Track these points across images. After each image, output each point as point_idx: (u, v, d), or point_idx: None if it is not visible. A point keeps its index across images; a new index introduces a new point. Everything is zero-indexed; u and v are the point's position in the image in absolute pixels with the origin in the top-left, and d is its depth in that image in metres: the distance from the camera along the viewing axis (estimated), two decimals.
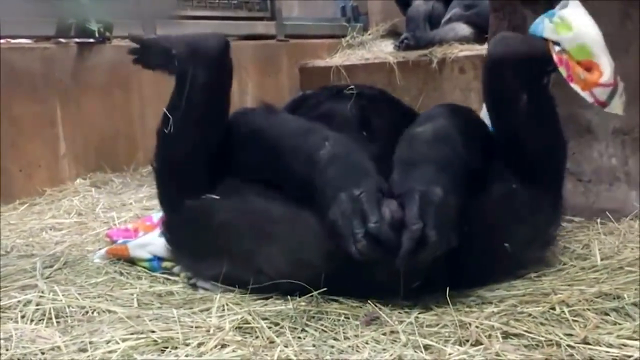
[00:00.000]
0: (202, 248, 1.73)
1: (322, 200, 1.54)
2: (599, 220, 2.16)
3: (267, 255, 1.62)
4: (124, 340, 1.39)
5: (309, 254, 1.58)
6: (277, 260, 1.61)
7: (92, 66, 3.59)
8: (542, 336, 1.34)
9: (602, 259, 1.84)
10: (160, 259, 1.94)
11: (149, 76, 3.84)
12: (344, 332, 1.43)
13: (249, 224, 1.65)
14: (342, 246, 1.49)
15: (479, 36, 4.36)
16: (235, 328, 1.44)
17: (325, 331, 1.44)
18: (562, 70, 1.65)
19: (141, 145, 3.80)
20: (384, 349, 1.34)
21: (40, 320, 1.56)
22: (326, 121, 1.87)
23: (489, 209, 1.68)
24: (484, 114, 1.97)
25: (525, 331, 1.37)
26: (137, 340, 1.39)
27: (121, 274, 1.93)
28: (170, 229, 1.84)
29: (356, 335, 1.41)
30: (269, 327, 1.44)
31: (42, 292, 1.72)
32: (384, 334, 1.40)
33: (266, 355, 1.32)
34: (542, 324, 1.41)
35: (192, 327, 1.46)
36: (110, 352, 1.35)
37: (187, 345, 1.36)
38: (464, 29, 4.67)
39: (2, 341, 1.41)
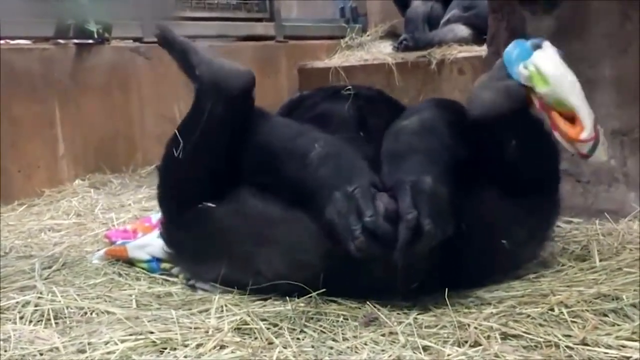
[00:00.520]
0: (201, 252, 1.73)
1: (317, 201, 1.54)
2: (597, 221, 2.16)
3: (266, 257, 1.62)
4: (122, 341, 1.39)
5: (306, 254, 1.58)
6: (275, 262, 1.61)
7: (91, 67, 3.59)
8: (541, 337, 1.34)
9: (600, 260, 1.83)
10: (159, 260, 1.94)
11: (148, 77, 3.87)
12: (342, 333, 1.42)
13: (246, 228, 1.65)
14: (342, 245, 1.49)
15: (478, 37, 4.37)
16: (234, 329, 1.44)
17: (324, 332, 1.44)
18: (545, 116, 1.65)
19: (140, 146, 3.80)
20: (382, 350, 1.34)
21: (38, 321, 1.56)
22: (323, 122, 1.87)
23: (485, 209, 1.67)
24: None
25: (524, 332, 1.37)
26: (136, 341, 1.39)
27: (120, 275, 1.93)
28: (169, 233, 1.84)
29: (355, 336, 1.41)
30: (268, 328, 1.44)
31: (41, 293, 1.72)
32: (383, 335, 1.40)
33: (265, 356, 1.32)
34: (540, 325, 1.41)
35: (190, 328, 1.46)
36: (109, 353, 1.35)
37: (186, 346, 1.36)
38: (462, 30, 4.67)
39: (0, 342, 1.41)
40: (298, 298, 1.58)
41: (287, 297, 1.59)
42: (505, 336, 1.37)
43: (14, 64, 3.23)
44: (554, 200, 1.80)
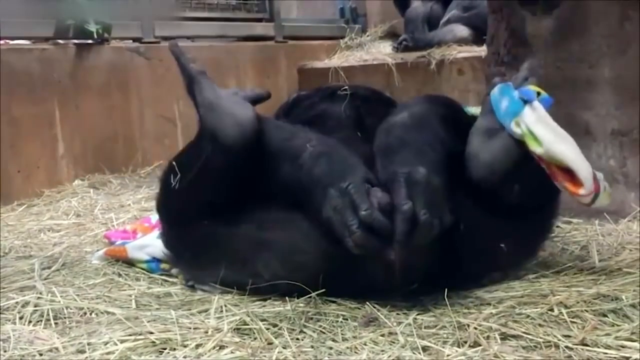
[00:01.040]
0: (200, 256, 1.72)
1: (314, 201, 1.54)
2: (597, 222, 2.16)
3: (265, 260, 1.62)
4: (122, 342, 1.39)
5: (305, 255, 1.58)
6: (274, 265, 1.61)
7: (90, 67, 3.59)
8: (541, 337, 1.34)
9: (600, 261, 1.84)
10: (158, 260, 1.94)
11: (147, 77, 3.87)
12: (342, 334, 1.42)
13: (244, 231, 1.65)
14: (340, 243, 1.49)
15: (478, 37, 4.37)
16: (234, 329, 1.44)
17: (324, 332, 1.44)
18: (544, 166, 1.64)
19: (140, 147, 3.80)
20: (382, 350, 1.34)
21: (38, 321, 1.56)
22: (320, 122, 1.87)
23: (480, 207, 1.67)
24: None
25: (524, 332, 1.37)
26: (136, 341, 1.39)
27: (119, 275, 1.93)
28: (168, 240, 1.83)
29: (354, 337, 1.40)
30: (267, 329, 1.44)
31: (40, 293, 1.72)
32: (383, 335, 1.40)
33: (264, 356, 1.32)
34: (540, 325, 1.41)
35: (190, 328, 1.45)
36: (108, 353, 1.35)
37: (186, 346, 1.36)
38: (462, 31, 4.67)
39: (0, 342, 1.41)
40: (297, 298, 1.58)
41: (287, 298, 1.59)
42: (504, 336, 1.37)
43: (13, 64, 3.23)
44: (550, 212, 1.80)
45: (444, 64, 4.36)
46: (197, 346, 1.36)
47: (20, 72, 3.26)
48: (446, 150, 1.64)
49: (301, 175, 1.58)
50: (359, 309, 1.56)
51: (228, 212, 1.67)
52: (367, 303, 1.56)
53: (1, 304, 1.66)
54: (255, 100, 1.81)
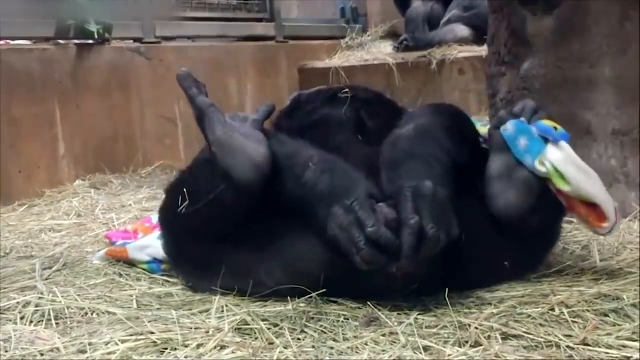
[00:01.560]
0: (204, 269, 1.72)
1: (319, 219, 1.53)
2: None
3: (269, 270, 1.62)
4: (123, 342, 1.39)
5: (309, 263, 1.58)
6: (278, 274, 1.61)
7: (91, 67, 3.60)
8: (542, 337, 1.34)
9: (601, 260, 1.84)
10: (159, 261, 1.94)
11: (148, 77, 3.87)
12: (343, 334, 1.42)
13: (248, 245, 1.64)
14: (348, 259, 1.49)
15: (478, 37, 4.37)
16: (235, 329, 1.44)
17: (325, 332, 1.44)
18: (562, 199, 1.65)
19: (140, 147, 3.81)
20: (383, 350, 1.34)
21: (39, 321, 1.56)
22: (322, 127, 1.87)
23: (484, 212, 1.68)
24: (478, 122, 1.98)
25: (525, 332, 1.37)
26: (137, 341, 1.39)
27: (120, 275, 1.93)
28: (170, 251, 1.83)
29: (355, 337, 1.40)
30: (269, 329, 1.44)
31: (42, 293, 1.72)
32: (384, 335, 1.40)
33: (265, 356, 1.32)
34: (541, 325, 1.41)
35: (191, 328, 1.45)
36: (109, 353, 1.35)
37: (187, 346, 1.36)
38: (463, 31, 4.68)
39: (1, 343, 1.41)
40: (299, 298, 1.58)
41: (288, 298, 1.59)
42: (506, 336, 1.37)
43: (14, 65, 3.23)
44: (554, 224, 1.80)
45: (445, 64, 4.36)
46: (198, 346, 1.36)
47: (20, 72, 3.26)
48: (453, 162, 1.64)
49: (304, 194, 1.57)
50: (360, 309, 1.56)
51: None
52: (368, 303, 1.56)
53: (2, 304, 1.66)
54: (266, 118, 1.80)
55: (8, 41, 3.39)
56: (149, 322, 1.49)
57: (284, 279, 1.60)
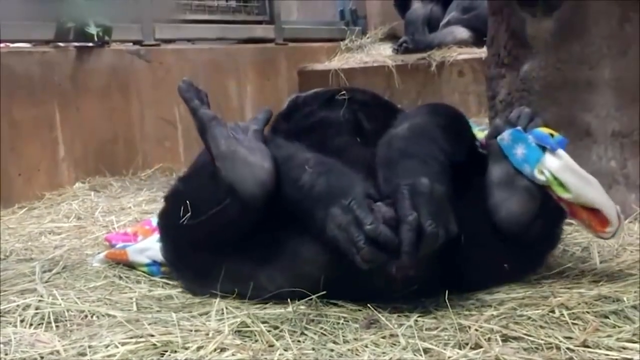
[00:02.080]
0: (203, 276, 1.72)
1: (317, 221, 1.53)
2: None
3: (269, 274, 1.62)
4: (123, 344, 1.39)
5: (309, 266, 1.58)
6: (278, 278, 1.61)
7: (91, 70, 3.60)
8: (542, 339, 1.34)
9: (601, 262, 1.84)
10: (159, 263, 1.94)
11: (148, 80, 3.87)
12: (343, 336, 1.42)
13: (248, 251, 1.64)
14: (348, 259, 1.48)
15: (478, 39, 4.38)
16: (235, 331, 1.44)
17: (325, 334, 1.44)
18: (563, 205, 1.64)
19: (140, 149, 3.81)
20: (383, 353, 1.34)
21: (39, 324, 1.56)
22: (320, 129, 1.87)
23: (483, 212, 1.68)
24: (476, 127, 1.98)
25: (525, 334, 1.37)
26: (137, 344, 1.39)
27: (120, 277, 1.93)
28: (169, 258, 1.83)
29: (355, 339, 1.40)
30: (269, 331, 1.44)
31: (41, 296, 1.71)
32: (384, 338, 1.40)
33: (265, 358, 1.32)
34: (541, 327, 1.41)
35: (191, 330, 1.45)
36: (109, 356, 1.35)
37: (187, 349, 1.36)
38: (462, 32, 4.68)
39: (1, 345, 1.41)
40: (299, 301, 1.58)
41: (288, 300, 1.59)
42: (506, 338, 1.37)
43: (14, 67, 3.23)
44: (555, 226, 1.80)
45: (444, 66, 4.37)
46: (198, 348, 1.36)
47: (20, 75, 3.26)
48: (449, 161, 1.64)
49: (302, 197, 1.57)
50: (360, 311, 1.56)
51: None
52: (368, 305, 1.56)
53: (2, 307, 1.65)
54: (265, 125, 1.80)
55: (8, 44, 3.39)
56: (149, 324, 1.49)
57: (284, 283, 1.60)
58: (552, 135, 1.67)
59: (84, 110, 3.54)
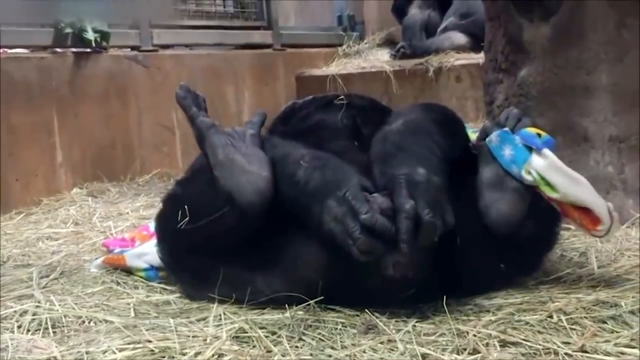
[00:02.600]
0: (200, 280, 1.71)
1: (313, 215, 1.53)
2: None
3: (266, 278, 1.61)
4: (120, 350, 1.38)
5: (306, 270, 1.57)
6: (275, 282, 1.61)
7: (89, 75, 3.60)
8: (540, 344, 1.34)
9: (599, 267, 1.84)
10: (157, 268, 1.94)
11: (146, 85, 3.88)
12: (341, 341, 1.42)
13: (244, 255, 1.64)
14: (345, 252, 1.48)
15: (475, 45, 4.39)
16: (233, 337, 1.44)
17: (323, 340, 1.43)
18: (554, 204, 1.65)
19: (138, 155, 3.80)
20: (381, 358, 1.34)
21: (36, 330, 1.56)
22: (317, 133, 1.87)
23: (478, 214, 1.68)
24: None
25: (523, 339, 1.37)
26: (134, 350, 1.39)
27: (118, 283, 1.93)
28: (166, 261, 1.82)
29: (354, 344, 1.40)
30: (266, 336, 1.44)
31: (39, 302, 1.71)
32: (382, 343, 1.40)
33: None
34: (539, 332, 1.41)
35: (189, 336, 1.45)
36: None
37: (184, 354, 1.36)
38: (460, 38, 4.69)
39: None
40: (296, 306, 1.58)
41: (286, 305, 1.59)
42: (504, 344, 1.37)
43: (12, 73, 3.23)
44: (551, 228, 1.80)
45: (442, 71, 4.37)
46: (196, 354, 1.36)
47: (18, 81, 3.26)
48: (444, 156, 1.64)
49: (298, 193, 1.57)
50: (358, 316, 1.56)
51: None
52: (366, 310, 1.56)
53: (0, 313, 1.65)
54: (260, 128, 1.81)
55: (6, 49, 3.39)
56: (147, 330, 1.49)
57: (281, 287, 1.59)
58: (539, 135, 1.67)
59: (82, 116, 3.54)
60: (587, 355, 1.29)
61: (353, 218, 1.46)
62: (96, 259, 2.13)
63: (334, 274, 1.55)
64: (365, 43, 5.43)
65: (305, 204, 1.55)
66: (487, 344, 1.36)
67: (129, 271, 2.00)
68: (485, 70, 2.67)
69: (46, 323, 1.58)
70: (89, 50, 3.61)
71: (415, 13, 5.13)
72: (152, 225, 2.21)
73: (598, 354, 1.30)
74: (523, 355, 1.32)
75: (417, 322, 1.50)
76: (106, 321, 1.59)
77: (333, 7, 5.81)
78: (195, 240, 1.66)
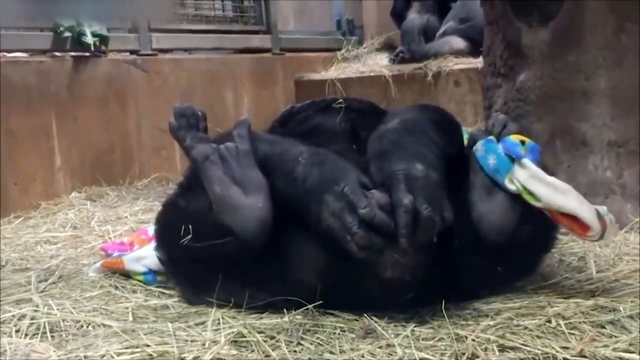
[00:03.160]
0: (199, 284, 1.71)
1: (312, 211, 1.53)
2: None
3: (264, 282, 1.61)
4: (119, 355, 1.38)
5: (304, 273, 1.57)
6: (273, 286, 1.60)
7: (87, 79, 3.60)
8: (539, 349, 1.34)
9: (597, 272, 1.84)
10: (155, 272, 1.94)
11: (144, 89, 3.88)
12: (339, 346, 1.42)
13: (242, 259, 1.64)
14: (342, 249, 1.48)
15: (474, 49, 4.39)
16: (231, 342, 1.44)
17: (321, 344, 1.43)
18: (546, 212, 1.64)
19: (137, 159, 3.80)
20: None
21: (34, 334, 1.56)
22: (315, 136, 1.87)
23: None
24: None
25: (522, 344, 1.37)
26: (132, 354, 1.38)
27: (116, 287, 1.93)
28: (165, 263, 1.82)
29: (352, 349, 1.40)
30: (265, 341, 1.44)
31: (37, 306, 1.71)
32: (380, 347, 1.40)
33: None
34: (538, 337, 1.41)
35: (187, 341, 1.45)
36: None
37: (183, 359, 1.36)
38: (458, 42, 4.70)
39: None
40: (295, 310, 1.57)
41: (284, 310, 1.59)
42: (502, 348, 1.37)
43: (11, 77, 3.23)
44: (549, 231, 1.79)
45: (441, 76, 4.37)
46: (194, 359, 1.35)
47: (17, 85, 3.26)
48: (441, 153, 1.64)
49: (296, 190, 1.57)
50: (357, 320, 1.55)
51: None
52: (365, 315, 1.56)
53: None
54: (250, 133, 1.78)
55: (5, 53, 3.39)
56: (145, 334, 1.49)
57: (280, 291, 1.59)
58: (523, 142, 1.66)
59: (81, 120, 3.54)
60: (586, 359, 1.29)
61: (351, 213, 1.46)
62: (94, 263, 2.13)
63: (333, 277, 1.55)
64: (364, 47, 5.44)
65: (303, 200, 1.55)
66: (486, 349, 1.36)
67: (127, 275, 2.00)
68: (484, 75, 2.67)
69: (44, 327, 1.58)
70: (88, 54, 3.61)
71: (414, 17, 5.14)
72: (150, 229, 2.21)
73: (597, 358, 1.30)
74: (522, 359, 1.32)
75: (415, 326, 1.50)
76: (104, 325, 1.59)
77: (332, 11, 5.81)
78: (195, 255, 1.66)
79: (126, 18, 3.96)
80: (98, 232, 2.70)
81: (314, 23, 5.80)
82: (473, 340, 1.39)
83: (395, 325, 1.52)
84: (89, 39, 3.54)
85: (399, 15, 5.31)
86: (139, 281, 1.96)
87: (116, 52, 3.86)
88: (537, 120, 2.38)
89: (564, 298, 1.64)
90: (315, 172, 1.56)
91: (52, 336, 1.55)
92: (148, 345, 1.41)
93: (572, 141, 2.32)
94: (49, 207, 3.19)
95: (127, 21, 3.98)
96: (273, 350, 1.39)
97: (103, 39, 3.63)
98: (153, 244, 1.98)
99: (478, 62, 3.81)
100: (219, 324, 1.55)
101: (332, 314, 1.59)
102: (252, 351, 1.40)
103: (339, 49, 5.31)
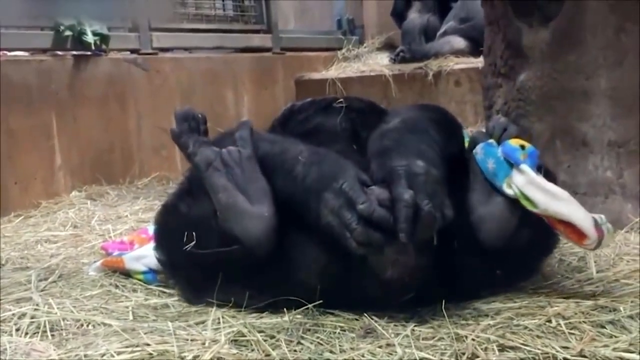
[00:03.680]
0: (198, 284, 1.71)
1: (311, 210, 1.53)
2: None
3: (264, 282, 1.61)
4: (119, 354, 1.38)
5: (303, 273, 1.57)
6: (274, 287, 1.60)
7: (88, 79, 3.60)
8: (539, 349, 1.34)
9: (597, 272, 1.84)
10: (155, 271, 1.94)
11: (145, 88, 3.88)
12: (340, 345, 1.42)
13: (242, 259, 1.64)
14: (342, 245, 1.47)
15: (475, 49, 4.39)
16: (231, 341, 1.44)
17: (321, 344, 1.43)
18: (543, 218, 1.63)
19: (137, 158, 3.80)
20: None
21: (35, 333, 1.56)
22: (316, 135, 1.87)
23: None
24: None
25: (522, 344, 1.37)
26: (132, 353, 1.38)
27: (116, 286, 1.93)
28: (165, 264, 1.82)
29: (352, 348, 1.40)
30: (265, 340, 1.44)
31: (37, 305, 1.71)
32: (380, 347, 1.40)
33: None
34: (538, 336, 1.41)
35: (187, 340, 1.45)
36: None
37: (183, 358, 1.36)
38: (459, 42, 4.70)
39: None
40: (295, 310, 1.58)
41: (284, 309, 1.59)
42: (502, 348, 1.37)
43: (11, 76, 3.23)
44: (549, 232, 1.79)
45: (441, 76, 4.38)
46: (195, 358, 1.35)
47: (18, 84, 3.26)
48: (442, 152, 1.64)
49: (295, 188, 1.57)
50: (357, 320, 1.56)
51: None
52: (365, 314, 1.56)
53: None
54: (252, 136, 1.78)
55: (5, 52, 3.39)
56: (145, 333, 1.49)
57: (280, 291, 1.59)
58: (523, 146, 1.66)
59: (81, 119, 3.54)
60: (586, 359, 1.29)
61: (350, 209, 1.45)
62: (95, 262, 2.13)
63: (333, 277, 1.55)
64: (365, 47, 5.44)
65: (302, 198, 1.55)
66: (486, 349, 1.36)
67: (127, 274, 2.00)
68: (484, 75, 2.67)
69: (44, 326, 1.58)
70: (88, 53, 3.62)
71: (415, 17, 5.14)
72: (150, 229, 2.21)
73: (597, 358, 1.30)
74: (522, 359, 1.32)
75: (415, 326, 1.50)
76: (104, 324, 1.59)
77: (333, 11, 5.82)
78: (198, 261, 1.65)
79: (127, 17, 3.96)
80: (98, 231, 2.70)
81: (315, 22, 5.80)
82: (473, 340, 1.39)
83: (395, 325, 1.52)
84: (90, 38, 3.54)
85: (399, 15, 5.32)
86: (139, 280, 1.96)
87: (117, 51, 3.86)
88: (538, 120, 2.38)
89: (564, 298, 1.64)
90: (315, 171, 1.56)
91: (52, 335, 1.55)
92: (148, 344, 1.41)
93: (572, 141, 2.32)
94: (49, 206, 3.20)
95: (128, 20, 3.99)
96: (273, 349, 1.40)
97: (104, 38, 3.63)
98: (153, 243, 1.98)
99: (478, 62, 3.81)
100: (219, 323, 1.55)
101: (332, 314, 1.59)
102: (252, 350, 1.40)
103: (340, 49, 5.31)
